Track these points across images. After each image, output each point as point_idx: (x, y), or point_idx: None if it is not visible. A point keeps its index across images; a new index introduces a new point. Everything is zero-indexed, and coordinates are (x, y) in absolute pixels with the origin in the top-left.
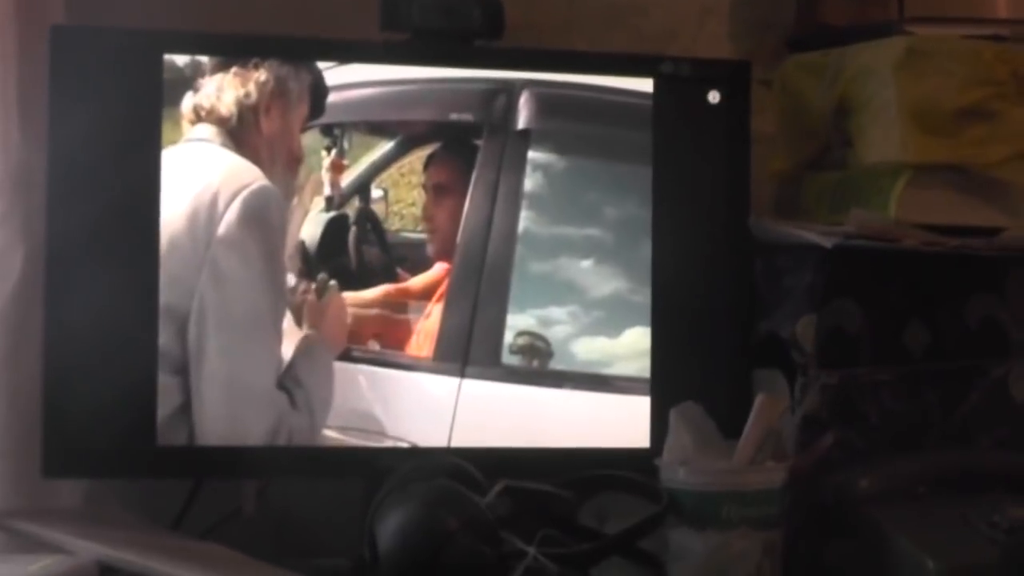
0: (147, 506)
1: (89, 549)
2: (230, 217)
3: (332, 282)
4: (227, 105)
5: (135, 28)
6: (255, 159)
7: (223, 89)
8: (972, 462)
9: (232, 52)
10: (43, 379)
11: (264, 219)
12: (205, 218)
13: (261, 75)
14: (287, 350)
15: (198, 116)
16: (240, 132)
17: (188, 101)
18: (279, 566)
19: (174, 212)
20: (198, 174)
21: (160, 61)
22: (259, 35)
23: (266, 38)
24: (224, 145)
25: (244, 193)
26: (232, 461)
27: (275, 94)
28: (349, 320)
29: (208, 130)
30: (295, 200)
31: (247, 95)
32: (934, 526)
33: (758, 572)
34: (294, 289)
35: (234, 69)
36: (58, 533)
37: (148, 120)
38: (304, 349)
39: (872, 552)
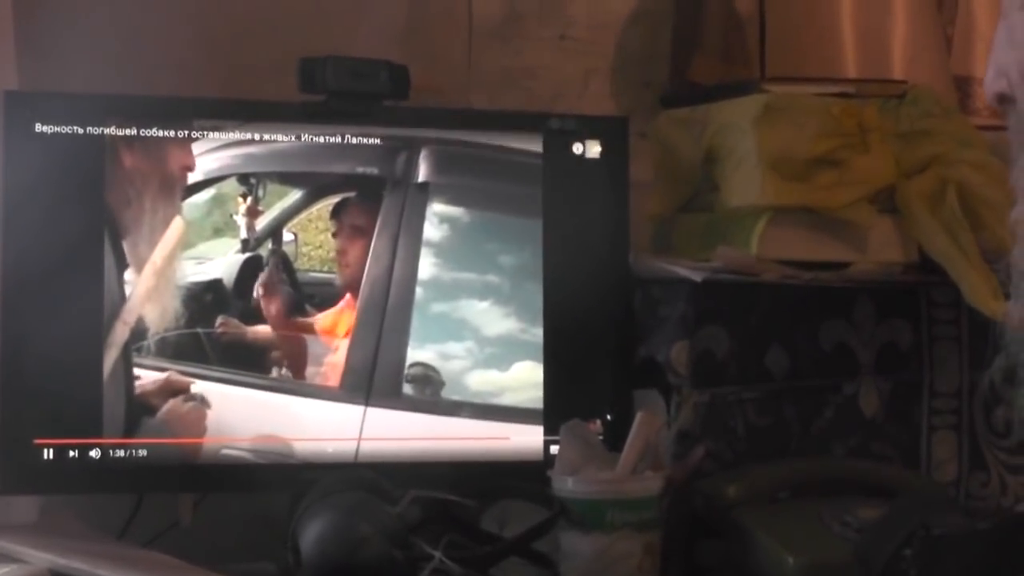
0: (95, 518)
1: (42, 558)
2: None
3: (202, 397)
4: None
5: (79, 92)
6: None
7: None
8: (827, 469)
9: (168, 115)
10: None
11: None
12: None
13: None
14: None
15: None
16: None
17: None
18: (213, 571)
19: None
20: None
21: (103, 121)
22: (193, 97)
23: (199, 100)
24: None
25: None
26: (171, 477)
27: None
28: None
29: None
30: (176, 224)
31: None
32: (794, 527)
33: (639, 570)
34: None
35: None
36: (14, 544)
37: (93, 171)
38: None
39: (739, 551)
